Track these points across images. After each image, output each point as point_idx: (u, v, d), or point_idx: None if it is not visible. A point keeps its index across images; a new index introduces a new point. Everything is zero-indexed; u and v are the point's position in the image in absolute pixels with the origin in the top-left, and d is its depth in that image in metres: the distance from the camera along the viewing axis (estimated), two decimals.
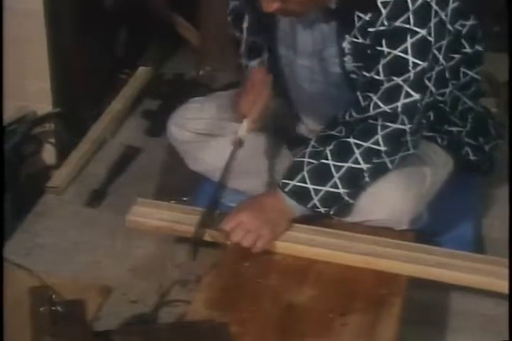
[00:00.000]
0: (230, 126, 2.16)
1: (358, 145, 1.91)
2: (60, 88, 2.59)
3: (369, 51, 1.91)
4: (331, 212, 1.96)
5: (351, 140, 1.92)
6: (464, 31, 2.00)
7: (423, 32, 1.85)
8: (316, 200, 1.93)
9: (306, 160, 1.96)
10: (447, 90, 2.04)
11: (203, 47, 3.18)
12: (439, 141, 2.12)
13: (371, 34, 1.89)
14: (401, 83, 1.89)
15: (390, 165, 1.94)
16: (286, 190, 1.94)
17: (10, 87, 2.48)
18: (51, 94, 2.57)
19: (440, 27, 1.87)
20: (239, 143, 2.05)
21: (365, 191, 1.96)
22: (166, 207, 2.11)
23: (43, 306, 1.66)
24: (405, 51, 1.86)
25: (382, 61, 1.89)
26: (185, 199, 2.37)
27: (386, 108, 1.91)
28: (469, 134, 2.16)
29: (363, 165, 1.92)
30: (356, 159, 1.91)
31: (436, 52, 1.89)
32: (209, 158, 2.21)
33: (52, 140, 2.64)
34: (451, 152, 2.14)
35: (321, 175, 1.93)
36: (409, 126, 1.92)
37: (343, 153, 1.92)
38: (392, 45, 1.87)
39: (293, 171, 1.96)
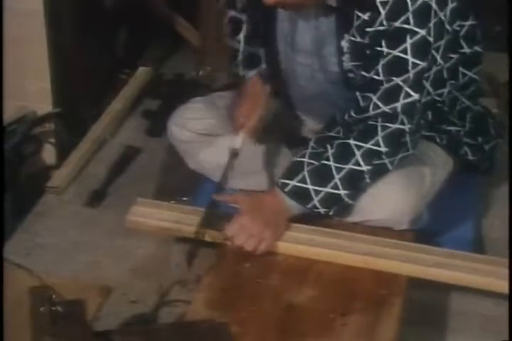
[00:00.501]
0: (230, 126, 2.16)
1: (359, 147, 1.92)
2: (60, 88, 2.59)
3: (368, 51, 1.92)
4: (330, 213, 1.96)
5: (352, 141, 1.92)
6: (463, 31, 2.00)
7: (423, 32, 1.85)
8: (316, 201, 1.93)
9: (306, 160, 1.96)
10: (445, 90, 2.05)
11: (203, 47, 3.18)
12: (438, 140, 2.12)
13: (370, 34, 1.89)
14: (401, 83, 1.89)
15: (389, 166, 1.94)
16: (286, 190, 1.94)
17: (10, 87, 2.48)
18: (51, 94, 2.57)
19: (439, 27, 1.87)
20: (234, 154, 2.06)
21: (365, 192, 1.96)
22: (166, 207, 2.11)
23: (43, 306, 1.66)
24: (405, 51, 1.86)
25: (382, 61, 1.89)
26: (185, 199, 2.37)
27: (386, 108, 1.91)
28: (468, 134, 2.16)
29: (364, 167, 1.92)
30: (357, 161, 1.91)
31: (434, 52, 1.89)
32: (209, 158, 2.21)
33: (52, 140, 2.64)
34: (450, 152, 2.14)
35: (322, 176, 1.93)
36: (408, 126, 1.92)
37: (344, 154, 1.92)
38: (392, 46, 1.87)
39: (293, 171, 1.96)
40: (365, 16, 1.89)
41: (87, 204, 2.47)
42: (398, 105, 1.90)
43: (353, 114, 1.96)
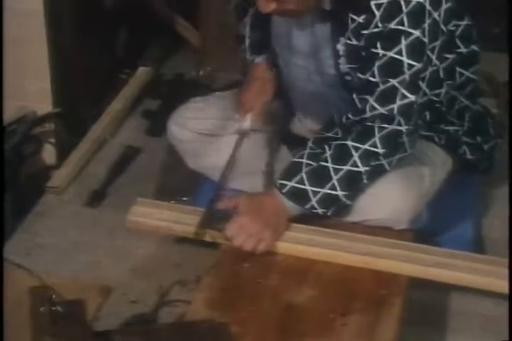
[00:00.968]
0: (230, 126, 2.17)
1: (356, 148, 1.91)
2: (60, 88, 2.59)
3: (363, 53, 1.92)
4: (329, 213, 1.96)
5: (349, 142, 1.92)
6: (459, 31, 2.00)
7: (417, 33, 1.85)
8: (314, 202, 1.93)
9: (305, 161, 1.96)
10: (443, 90, 2.04)
11: (203, 47, 3.19)
12: (437, 140, 2.12)
13: (365, 36, 1.89)
14: (397, 85, 1.89)
15: (387, 167, 1.94)
16: (284, 191, 1.94)
17: (10, 87, 2.48)
18: (51, 94, 2.57)
19: (434, 28, 1.87)
20: (244, 135, 2.07)
21: (363, 192, 1.96)
22: (166, 207, 2.11)
23: (43, 306, 1.66)
24: (400, 53, 1.86)
25: (377, 63, 1.89)
26: (185, 199, 2.37)
27: (382, 110, 1.91)
28: (467, 133, 2.16)
29: (362, 168, 1.91)
30: (355, 162, 1.91)
31: (429, 53, 1.89)
32: (209, 158, 2.21)
33: (52, 140, 2.64)
34: (449, 151, 2.14)
35: (320, 177, 1.93)
36: (405, 127, 1.92)
37: (342, 155, 1.92)
38: (387, 47, 1.87)
39: (291, 172, 1.96)
40: (360, 19, 1.89)
41: (87, 204, 2.47)
42: (395, 106, 1.90)
43: (350, 115, 1.96)
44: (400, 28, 1.85)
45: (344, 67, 1.98)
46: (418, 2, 1.84)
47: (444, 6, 1.89)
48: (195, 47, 3.23)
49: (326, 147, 1.94)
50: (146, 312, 2.03)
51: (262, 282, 1.88)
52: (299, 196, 1.94)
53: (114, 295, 2.09)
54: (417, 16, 1.84)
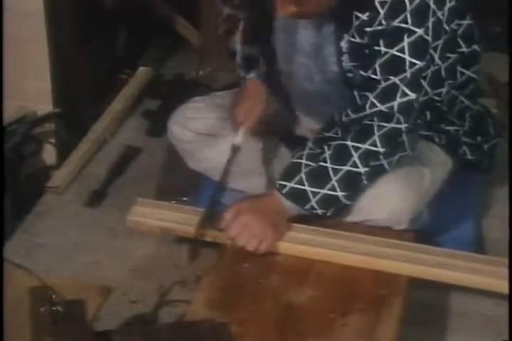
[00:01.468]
0: (230, 126, 2.17)
1: (356, 148, 1.91)
2: (60, 88, 2.59)
3: (366, 50, 1.92)
4: (328, 214, 1.96)
5: (349, 142, 1.92)
6: (460, 31, 2.00)
7: (420, 31, 1.85)
8: (313, 202, 1.93)
9: (304, 162, 1.96)
10: (444, 90, 2.04)
11: (203, 47, 3.18)
12: (437, 140, 2.12)
13: (369, 33, 1.89)
14: (398, 82, 1.89)
15: (387, 167, 1.94)
16: (284, 191, 1.94)
17: (10, 87, 2.48)
18: (51, 94, 2.57)
19: (437, 26, 1.88)
20: (236, 150, 2.08)
21: (363, 192, 1.96)
22: (166, 207, 2.11)
23: (43, 306, 1.66)
24: (402, 50, 1.86)
25: (379, 60, 1.89)
26: (185, 199, 2.37)
27: (382, 107, 1.91)
28: (467, 133, 2.16)
29: (361, 169, 1.91)
30: (354, 162, 1.91)
31: (432, 51, 1.89)
32: (209, 158, 2.21)
33: (52, 140, 2.64)
34: (449, 151, 2.14)
35: (319, 177, 1.92)
36: (405, 125, 1.92)
37: (341, 156, 1.92)
38: (390, 45, 1.87)
39: (290, 173, 1.96)
40: (364, 16, 1.89)
41: (87, 204, 2.47)
42: (395, 104, 1.90)
43: (350, 112, 1.96)
44: (403, 25, 1.85)
45: (347, 64, 1.98)
46: (422, 0, 1.84)
47: (448, 5, 1.89)
48: (195, 47, 3.23)
49: (326, 147, 1.94)
50: (146, 312, 2.03)
51: (262, 282, 1.88)
52: (298, 197, 1.94)
53: (114, 295, 2.08)
54: (421, 15, 1.85)
